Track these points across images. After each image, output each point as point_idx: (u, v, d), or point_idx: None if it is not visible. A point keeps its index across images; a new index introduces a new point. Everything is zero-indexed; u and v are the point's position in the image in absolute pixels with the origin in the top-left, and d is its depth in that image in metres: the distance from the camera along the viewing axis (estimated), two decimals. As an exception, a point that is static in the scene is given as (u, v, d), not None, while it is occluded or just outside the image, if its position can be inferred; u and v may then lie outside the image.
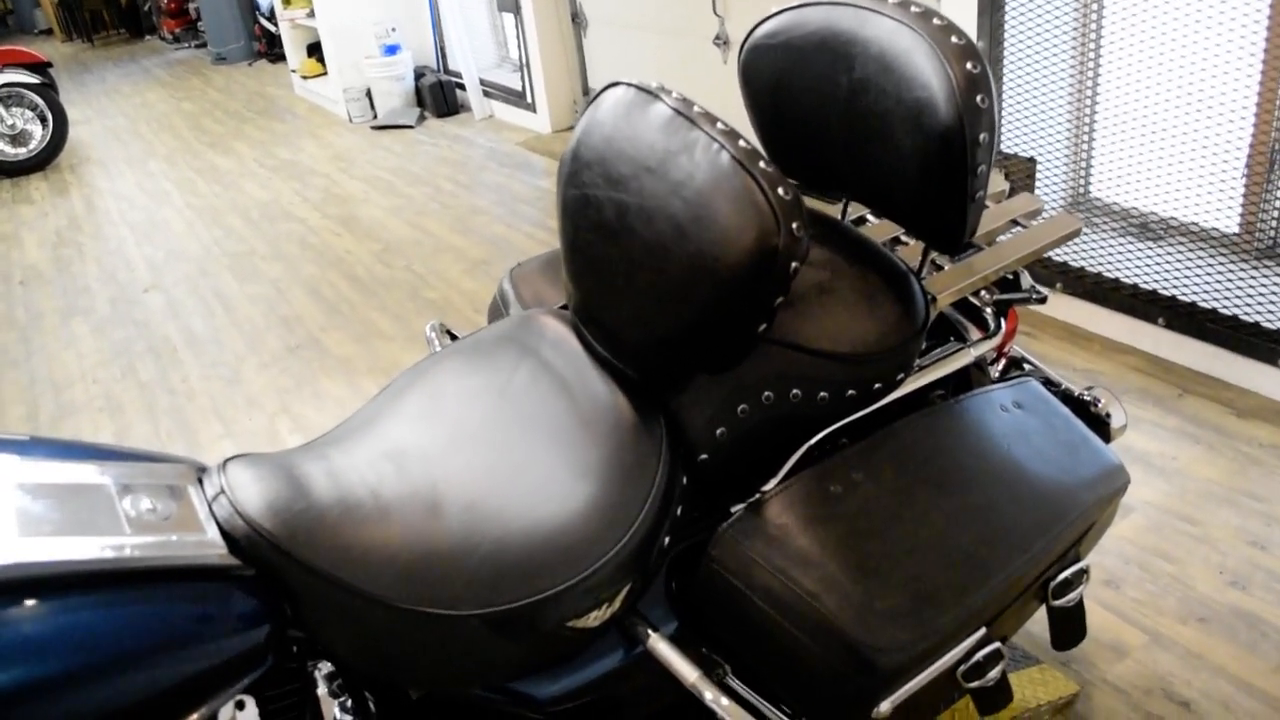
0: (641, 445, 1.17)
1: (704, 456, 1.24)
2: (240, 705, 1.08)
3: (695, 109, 1.14)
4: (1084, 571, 1.43)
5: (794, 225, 1.05)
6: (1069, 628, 1.48)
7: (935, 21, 1.21)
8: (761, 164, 1.07)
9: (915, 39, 1.20)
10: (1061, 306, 3.10)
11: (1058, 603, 1.41)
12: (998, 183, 1.68)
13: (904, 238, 1.60)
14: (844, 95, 1.30)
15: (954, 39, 1.19)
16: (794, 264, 1.06)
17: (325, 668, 1.19)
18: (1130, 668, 1.93)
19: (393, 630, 1.08)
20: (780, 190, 1.06)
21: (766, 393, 1.23)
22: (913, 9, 1.24)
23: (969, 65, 1.18)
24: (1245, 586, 2.07)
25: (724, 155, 1.08)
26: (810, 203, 1.49)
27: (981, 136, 1.18)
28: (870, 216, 1.65)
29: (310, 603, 1.08)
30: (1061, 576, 1.40)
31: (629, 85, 1.21)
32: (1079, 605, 1.47)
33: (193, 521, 1.06)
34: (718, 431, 1.23)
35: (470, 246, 4.37)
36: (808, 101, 1.36)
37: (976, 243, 1.56)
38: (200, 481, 1.12)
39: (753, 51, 1.41)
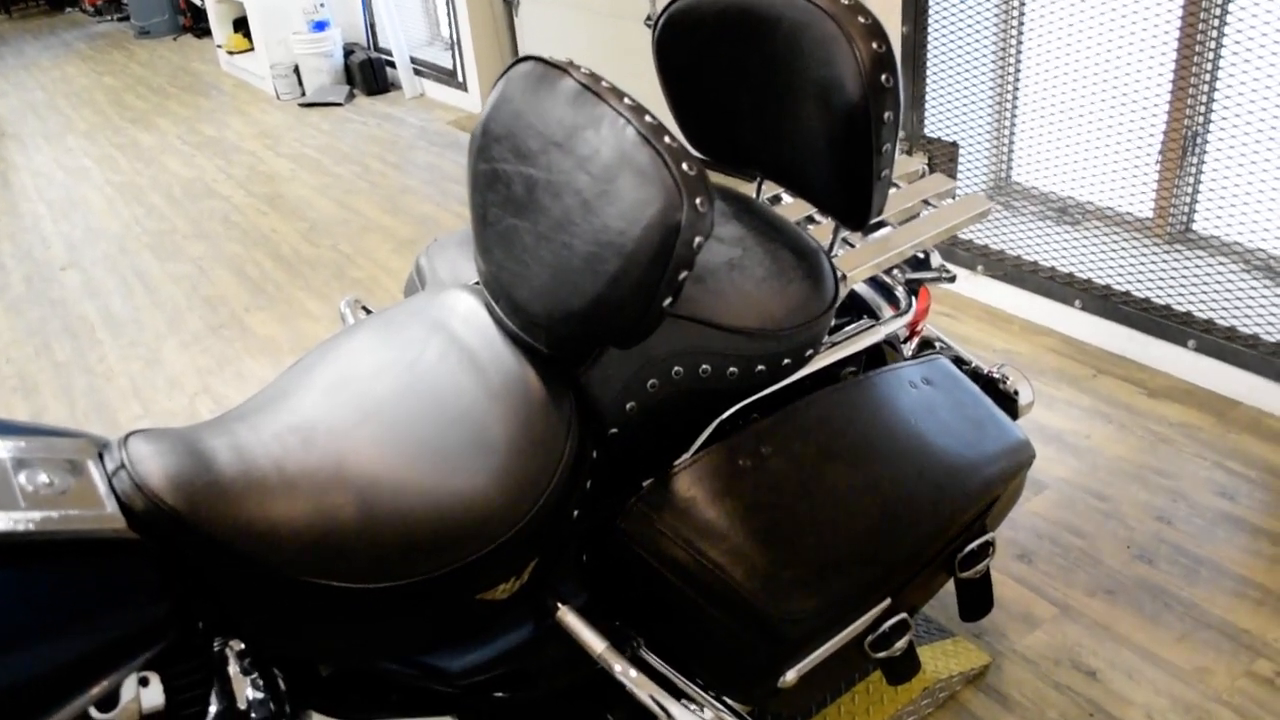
0: (549, 419, 1.18)
1: (614, 430, 1.25)
2: (144, 682, 1.06)
3: (603, 84, 1.14)
4: (990, 544, 1.46)
5: (698, 200, 1.06)
6: (976, 599, 1.52)
7: (842, 1, 1.23)
8: (667, 139, 1.07)
9: (823, 18, 1.22)
10: (982, 288, 3.16)
11: (965, 574, 1.45)
12: (912, 163, 1.70)
13: (816, 216, 1.62)
14: (754, 72, 1.31)
15: (860, 19, 1.21)
16: (698, 239, 1.07)
17: (235, 645, 1.18)
18: (1040, 639, 1.98)
19: (297, 605, 1.07)
20: (685, 165, 1.06)
21: (676, 368, 1.24)
22: (822, -12, 1.25)
23: (874, 44, 1.19)
24: (1151, 560, 2.13)
25: (629, 130, 1.08)
26: (725, 180, 1.50)
27: (886, 115, 1.20)
28: (785, 195, 1.67)
29: (213, 577, 1.06)
30: (968, 549, 1.43)
31: (537, 60, 1.21)
32: (986, 577, 1.50)
33: (91, 496, 1.04)
34: (627, 406, 1.24)
35: (399, 226, 4.32)
36: (720, 78, 1.37)
37: (889, 221, 1.59)
38: (101, 456, 1.10)
39: (667, 28, 1.41)
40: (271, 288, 3.86)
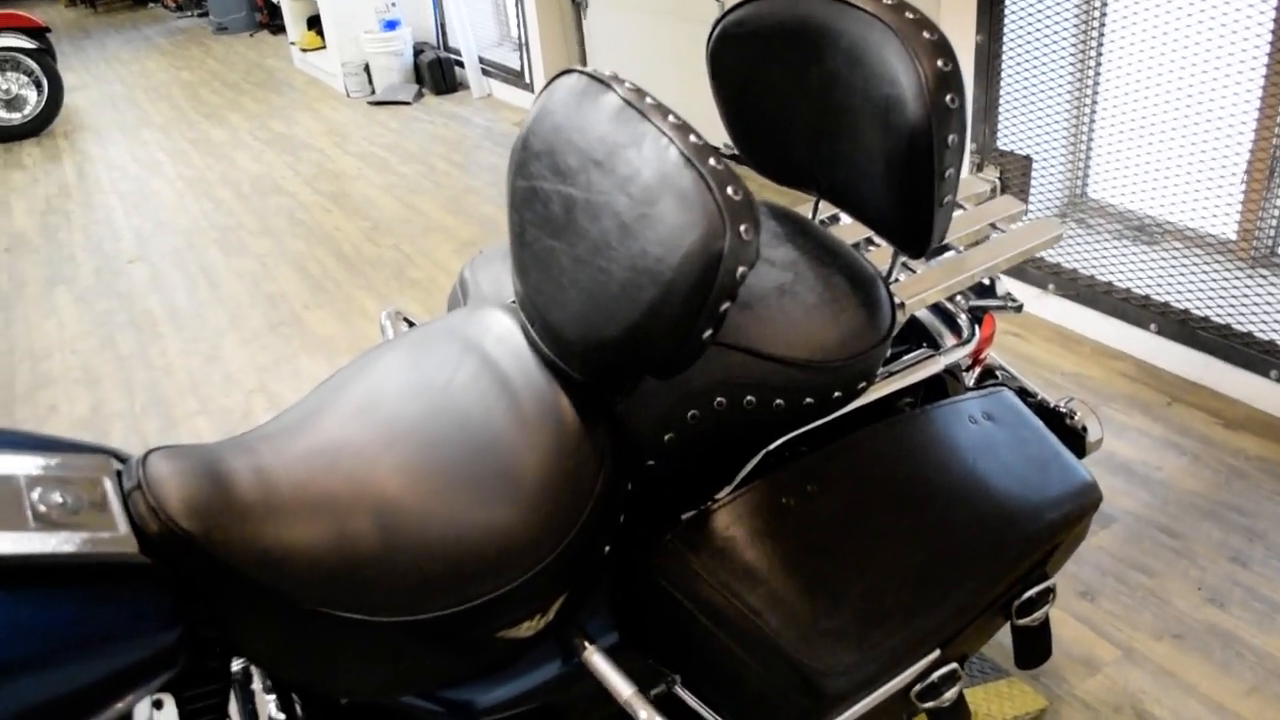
0: (582, 450, 1.12)
1: (651, 463, 1.19)
2: (158, 704, 1.04)
3: (647, 100, 1.08)
4: (1050, 590, 1.38)
5: (742, 228, 1.00)
6: (1033, 647, 1.44)
7: (907, 15, 1.16)
8: (712, 161, 1.01)
9: (885, 33, 1.15)
10: (1052, 308, 3.04)
11: (1021, 622, 1.37)
12: (979, 184, 1.62)
13: (876, 239, 1.54)
14: (813, 89, 1.24)
15: (926, 34, 1.13)
16: (741, 269, 1.01)
17: (252, 666, 1.15)
18: (1101, 684, 1.88)
19: (312, 635, 1.03)
20: (730, 190, 1.00)
21: (719, 398, 1.18)
22: (885, 1, 1.18)
23: (940, 63, 1.12)
24: (1223, 604, 2.02)
25: (672, 150, 1.02)
26: (780, 198, 1.43)
27: (950, 138, 1.13)
28: (843, 215, 1.60)
29: (226, 604, 1.03)
30: (1026, 595, 1.35)
31: (581, 73, 1.15)
32: (1044, 625, 1.42)
33: (104, 517, 1.01)
34: (666, 437, 1.18)
35: (460, 226, 4.32)
36: (776, 94, 1.30)
37: (953, 245, 1.51)
38: (119, 475, 1.07)
39: (721, 40, 1.35)
40: (332, 286, 3.87)
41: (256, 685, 1.16)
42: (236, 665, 1.27)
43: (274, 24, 9.25)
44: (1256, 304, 2.55)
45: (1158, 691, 1.85)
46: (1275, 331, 2.51)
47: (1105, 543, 2.20)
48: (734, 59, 1.35)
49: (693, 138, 1.03)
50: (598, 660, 1.14)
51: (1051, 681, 1.89)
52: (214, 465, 1.09)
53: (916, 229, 1.20)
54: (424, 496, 1.09)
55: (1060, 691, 1.87)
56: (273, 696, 1.17)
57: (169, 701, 1.04)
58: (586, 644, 1.16)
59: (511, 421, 1.14)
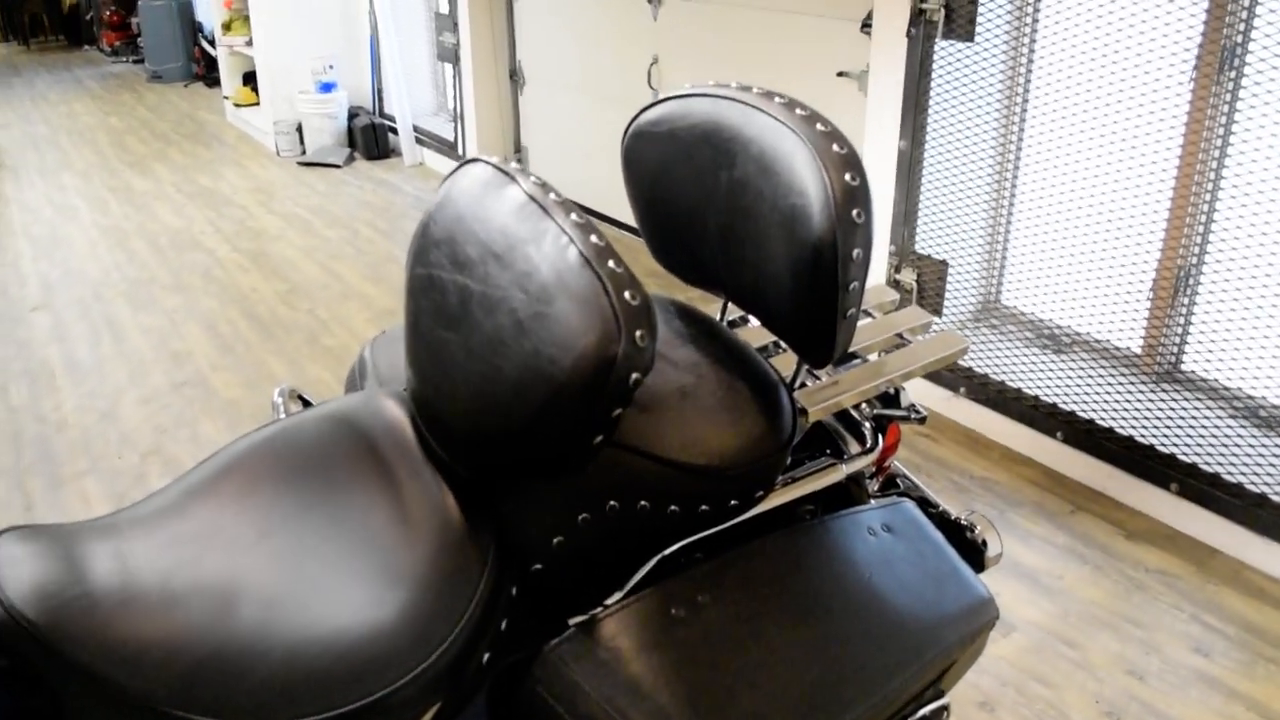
0: (466, 552, 1.08)
1: (538, 566, 1.15)
2: None
3: (551, 196, 1.06)
4: (944, 709, 1.36)
5: (638, 334, 0.97)
6: (926, 765, 1.41)
7: (819, 127, 1.16)
8: (611, 263, 0.99)
9: (797, 143, 1.15)
10: (963, 411, 3.08)
11: (914, 740, 1.34)
12: (888, 293, 1.63)
13: (783, 344, 1.54)
14: (723, 193, 1.24)
15: (835, 147, 1.14)
16: (635, 375, 0.98)
17: None
18: (997, 799, 1.86)
19: None
20: (627, 294, 0.98)
21: (611, 502, 1.15)
22: (798, 112, 1.19)
23: (848, 176, 1.12)
24: (1119, 718, 2.02)
25: (572, 250, 1.00)
26: (690, 298, 1.42)
27: (855, 252, 1.12)
28: (752, 317, 1.59)
29: (74, 705, 0.96)
30: (920, 714, 1.32)
31: (488, 163, 1.13)
32: (938, 743, 1.39)
33: (-57, 603, 0.94)
34: (555, 540, 1.14)
35: (379, 295, 4.25)
36: (688, 194, 1.30)
37: (860, 354, 1.51)
38: None
39: (636, 137, 1.35)
40: (241, 348, 3.77)
41: None
42: None
43: (210, 76, 9.16)
44: (1159, 418, 2.60)
45: (1051, 810, 1.83)
46: (1175, 446, 2.56)
47: (1006, 652, 2.19)
48: (648, 156, 1.34)
49: (594, 238, 1.01)
50: (468, 775, 1.08)
51: (946, 796, 1.86)
52: (72, 549, 1.02)
53: (820, 339, 1.19)
54: (295, 594, 1.03)
55: (955, 807, 1.84)
56: None
57: None
58: (457, 758, 1.10)
59: (392, 517, 1.09)
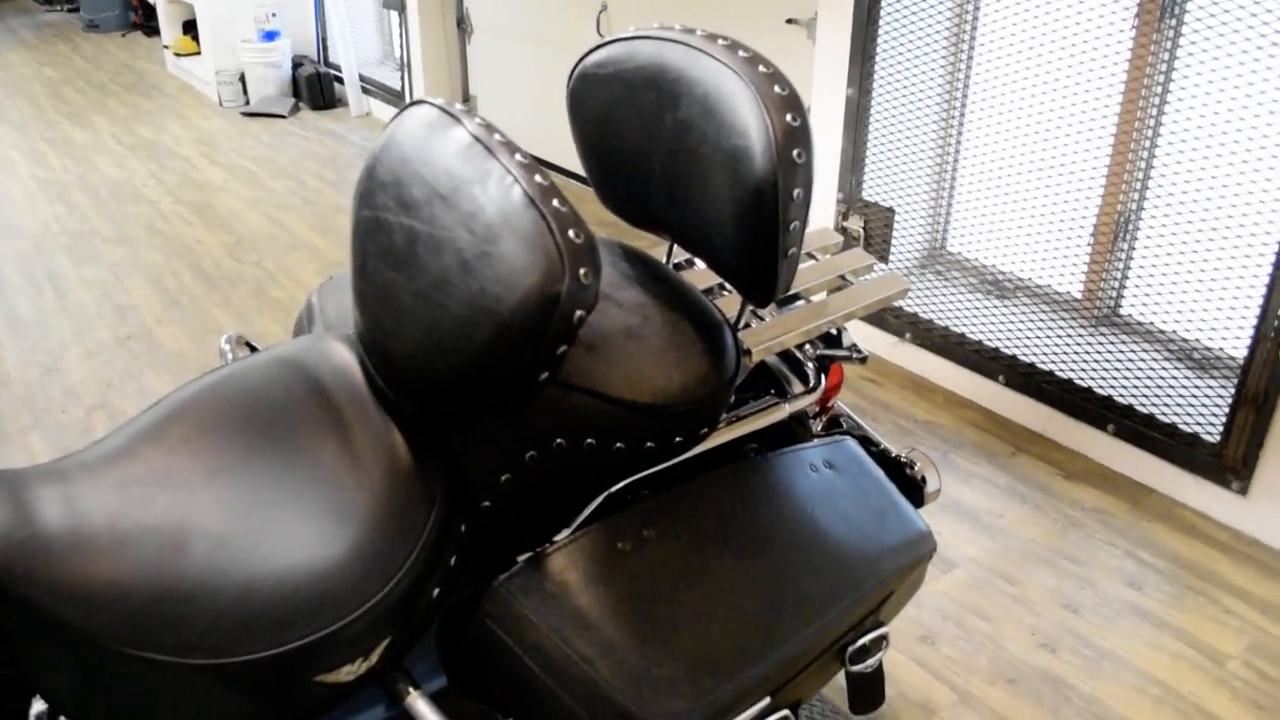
0: (414, 489, 1.09)
1: (487, 503, 1.17)
2: None
3: (495, 137, 1.07)
4: (884, 638, 1.41)
5: (581, 272, 0.99)
6: (867, 692, 1.46)
7: (761, 69, 1.17)
8: (555, 202, 1.01)
9: (739, 84, 1.16)
10: (908, 356, 3.13)
11: (855, 668, 1.38)
12: (832, 236, 1.65)
13: (727, 285, 1.56)
14: (667, 134, 1.25)
15: (777, 88, 1.15)
16: (579, 313, 1.00)
17: (38, 706, 1.07)
18: (937, 728, 1.92)
19: (118, 678, 0.98)
20: (571, 233, 0.99)
21: (558, 439, 1.17)
22: (741, 54, 1.20)
23: (789, 117, 1.14)
24: (1055, 649, 2.09)
25: (516, 189, 1.01)
26: (637, 240, 1.44)
27: (796, 192, 1.14)
28: (697, 260, 1.61)
29: (24, 641, 0.96)
30: (860, 642, 1.37)
31: (432, 105, 1.13)
32: (878, 670, 1.44)
33: (-111, 546, 0.94)
34: (503, 477, 1.16)
35: (328, 247, 4.21)
36: (633, 137, 1.31)
37: (802, 295, 1.53)
38: None
39: (581, 80, 1.35)
40: (187, 301, 3.73)
41: None
42: (37, 707, 1.19)
43: (149, 25, 8.92)
44: (1097, 361, 2.67)
45: (989, 736, 1.90)
46: (1113, 388, 2.63)
47: (947, 588, 2.26)
48: (593, 99, 1.35)
49: (538, 177, 1.02)
50: (420, 706, 1.11)
51: (889, 725, 1.92)
52: (19, 492, 1.03)
53: (762, 278, 1.21)
54: (245, 533, 1.05)
55: (897, 735, 1.90)
56: None
57: None
58: (410, 689, 1.12)
59: (342, 457, 1.11)
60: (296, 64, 6.37)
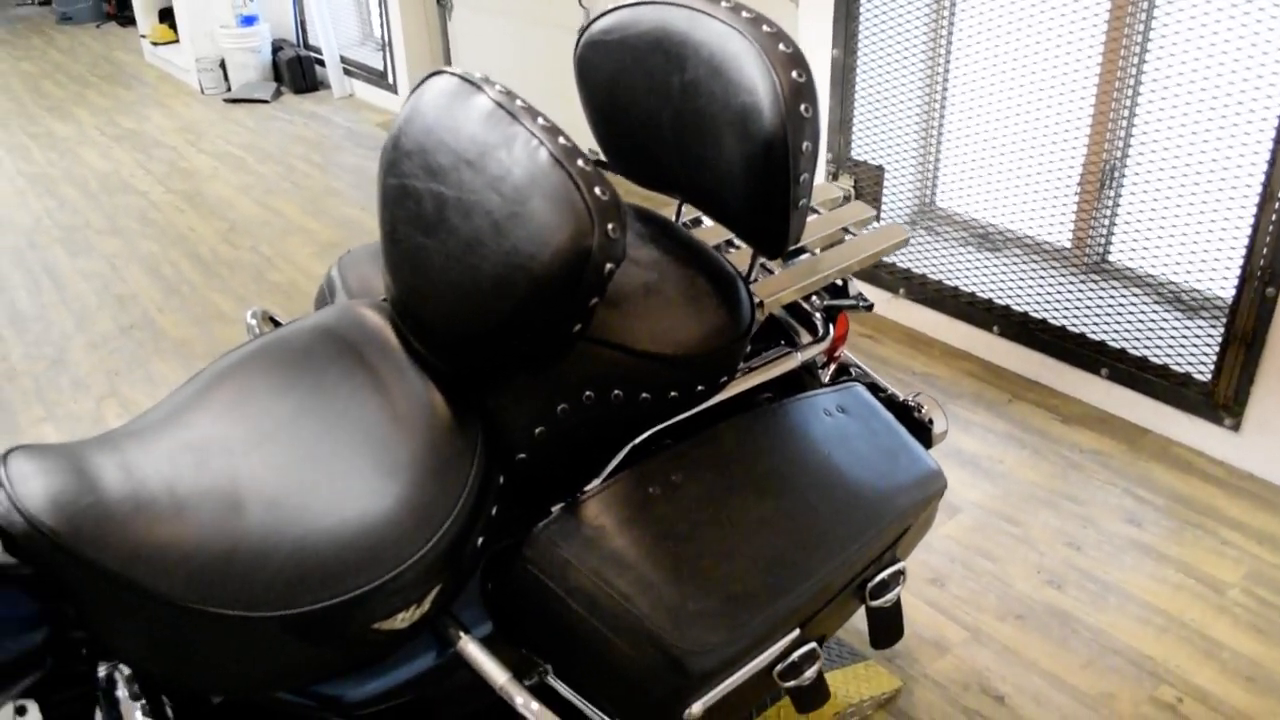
0: (455, 444, 1.15)
1: (522, 455, 1.22)
2: (21, 710, 1.02)
3: (518, 102, 1.11)
4: (901, 573, 1.47)
5: (609, 226, 1.04)
6: (887, 627, 1.52)
7: (765, 28, 1.22)
8: (580, 162, 1.05)
9: (744, 44, 1.21)
10: (903, 311, 3.19)
11: (875, 603, 1.44)
12: (833, 191, 1.70)
13: (736, 241, 1.61)
14: (675, 96, 1.30)
15: (781, 46, 1.20)
16: (609, 265, 1.05)
17: (122, 670, 1.13)
18: (951, 663, 1.99)
19: (186, 633, 1.03)
20: (597, 190, 1.04)
21: (587, 392, 1.22)
22: (744, 14, 1.24)
23: (794, 74, 1.18)
24: (1060, 585, 2.16)
25: (542, 151, 1.06)
26: (645, 201, 1.49)
27: (804, 145, 1.19)
28: (705, 219, 1.66)
29: (97, 604, 1.01)
30: (879, 578, 1.43)
31: (453, 74, 1.18)
32: (896, 605, 1.50)
33: (-38, 518, 0.99)
34: (536, 430, 1.21)
35: (321, 229, 4.24)
36: (641, 100, 1.35)
37: (808, 248, 1.58)
38: None
39: (588, 47, 1.39)
40: (186, 289, 3.76)
41: (123, 690, 1.14)
42: (103, 670, 1.24)
43: (122, 15, 8.87)
44: (1088, 307, 2.73)
45: (1002, 669, 1.97)
46: (1105, 333, 2.70)
47: (953, 532, 2.33)
48: (600, 65, 1.39)
49: (562, 139, 1.07)
50: (472, 649, 1.16)
51: (905, 663, 1.99)
52: (79, 463, 1.07)
53: (773, 231, 1.26)
54: (298, 491, 1.10)
55: (913, 672, 1.97)
56: (141, 701, 1.16)
57: (32, 707, 1.02)
58: (461, 634, 1.18)
59: (384, 416, 1.16)
60: (276, 48, 6.36)
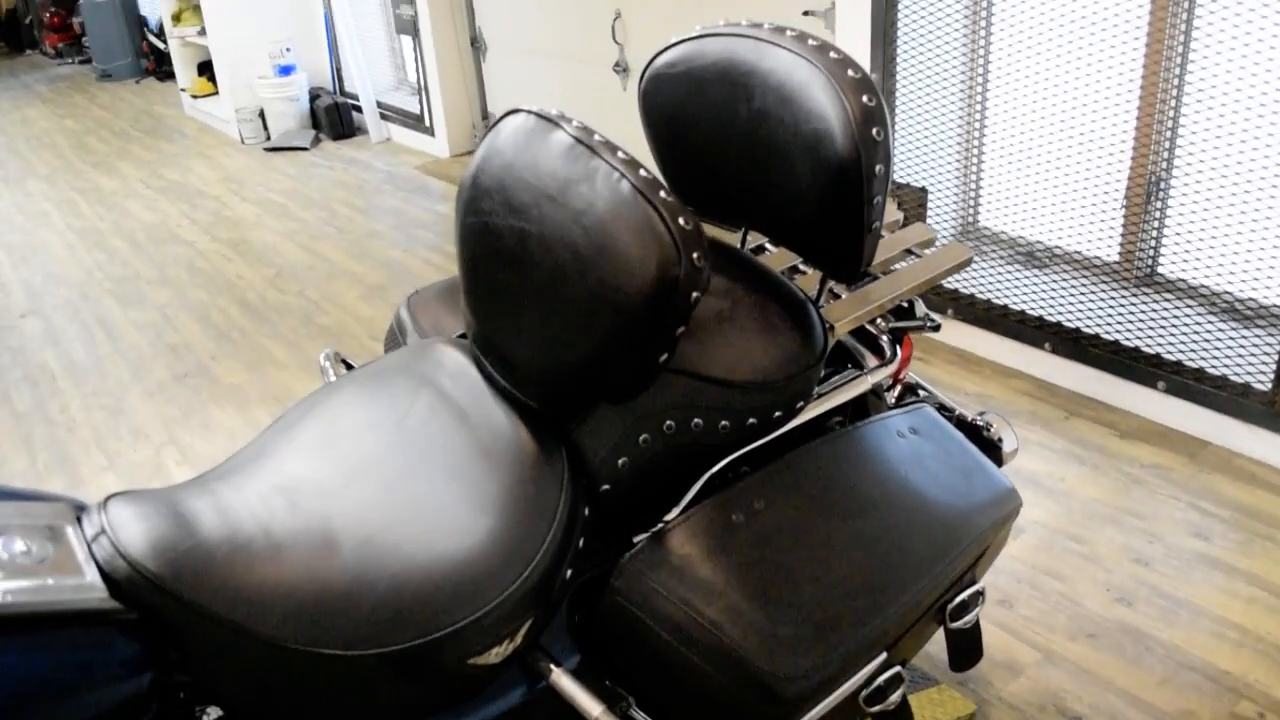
0: (543, 477, 1.16)
1: (606, 487, 1.23)
2: None
3: (596, 137, 1.13)
4: (980, 594, 1.46)
5: (695, 255, 1.05)
6: (967, 649, 1.51)
7: (832, 55, 1.23)
8: (662, 193, 1.07)
9: (813, 72, 1.22)
10: (953, 332, 3.18)
11: (955, 625, 1.44)
12: (892, 212, 1.71)
13: (802, 267, 1.62)
14: (743, 125, 1.31)
15: (850, 72, 1.21)
16: (695, 294, 1.07)
17: (214, 712, 1.14)
18: (1024, 685, 1.97)
19: (286, 673, 1.04)
20: (681, 220, 1.06)
21: (668, 422, 1.23)
22: (810, 42, 1.26)
23: (865, 99, 1.20)
24: (1130, 602, 2.13)
25: (624, 184, 1.07)
26: (710, 231, 1.50)
27: (877, 168, 1.20)
28: (769, 245, 1.67)
29: (198, 646, 1.03)
30: (959, 599, 1.42)
31: (529, 112, 1.20)
32: (976, 626, 1.49)
33: (70, 564, 1.00)
34: (619, 461, 1.22)
35: (366, 272, 4.30)
36: (707, 131, 1.37)
37: (872, 271, 1.59)
38: (80, 521, 1.06)
39: (653, 81, 1.41)
40: (238, 335, 3.81)
41: None
42: (203, 714, 1.26)
43: (161, 70, 9.07)
44: (1141, 321, 2.71)
45: (1078, 689, 1.95)
46: (1160, 346, 2.68)
47: (1018, 552, 2.31)
48: (665, 98, 1.41)
49: (642, 172, 1.09)
50: (565, 682, 1.17)
51: (978, 686, 1.97)
52: (176, 507, 1.09)
53: (847, 255, 1.27)
54: (390, 529, 1.11)
55: (988, 695, 1.95)
56: None
57: None
58: (552, 666, 1.19)
59: (471, 452, 1.17)
60: (314, 96, 6.47)
